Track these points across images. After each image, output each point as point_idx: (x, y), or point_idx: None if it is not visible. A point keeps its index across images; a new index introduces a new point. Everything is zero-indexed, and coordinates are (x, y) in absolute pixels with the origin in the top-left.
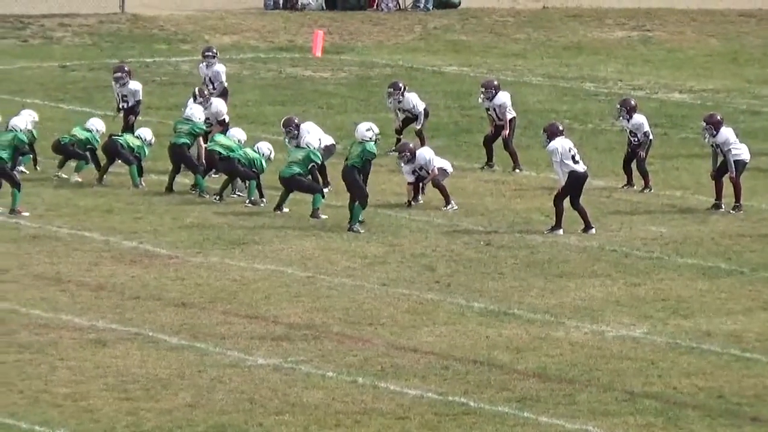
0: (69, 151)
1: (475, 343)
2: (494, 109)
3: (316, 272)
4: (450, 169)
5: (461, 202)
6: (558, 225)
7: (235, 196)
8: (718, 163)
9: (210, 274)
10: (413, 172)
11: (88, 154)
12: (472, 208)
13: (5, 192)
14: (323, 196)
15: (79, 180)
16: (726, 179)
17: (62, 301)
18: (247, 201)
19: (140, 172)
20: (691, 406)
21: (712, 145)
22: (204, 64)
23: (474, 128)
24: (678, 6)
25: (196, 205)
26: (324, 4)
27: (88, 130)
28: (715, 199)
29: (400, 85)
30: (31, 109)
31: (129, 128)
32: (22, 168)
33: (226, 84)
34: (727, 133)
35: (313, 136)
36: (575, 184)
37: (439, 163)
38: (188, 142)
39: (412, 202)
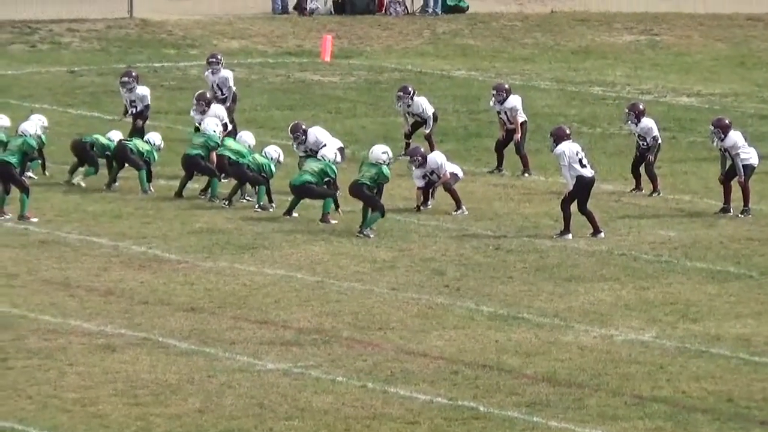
0: (86, 152)
1: (485, 347)
2: (505, 113)
3: (326, 277)
4: (461, 174)
5: (470, 207)
6: (567, 229)
7: (244, 201)
8: (727, 167)
9: (219, 279)
10: (423, 176)
11: (101, 163)
12: (481, 213)
13: (14, 197)
14: (335, 202)
15: (83, 185)
16: (734, 183)
17: (71, 307)
18: (257, 206)
19: (149, 177)
20: (700, 410)
21: (720, 149)
22: (210, 71)
23: (483, 132)
24: (685, 10)
25: (205, 210)
26: (333, 9)
27: (110, 139)
28: (724, 203)
29: (410, 89)
30: (40, 114)
31: (138, 132)
32: (30, 173)
33: (234, 89)
34: (735, 136)
35: (330, 149)
36: (583, 188)
37: (450, 167)
38: (202, 153)
39: (422, 207)
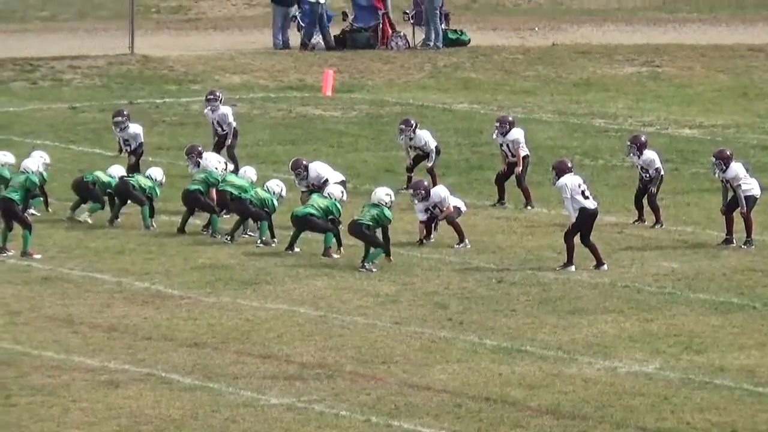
0: (89, 190)
1: (488, 380)
2: (507, 145)
3: (329, 311)
4: (463, 208)
5: (473, 240)
6: (570, 261)
7: (246, 236)
8: (729, 198)
9: (222, 314)
10: (426, 210)
11: (105, 198)
12: (484, 246)
13: (17, 234)
14: (337, 239)
15: (89, 221)
16: (737, 214)
17: (74, 343)
18: (259, 241)
19: (152, 213)
20: None
21: (722, 180)
22: (209, 108)
23: (485, 165)
24: (687, 41)
25: (207, 246)
26: (333, 43)
27: (110, 176)
28: (726, 234)
29: (412, 122)
30: (42, 150)
31: (132, 170)
32: (32, 210)
33: (234, 124)
34: (736, 168)
35: (336, 186)
36: (586, 220)
37: (452, 201)
38: (201, 189)
39: (424, 241)
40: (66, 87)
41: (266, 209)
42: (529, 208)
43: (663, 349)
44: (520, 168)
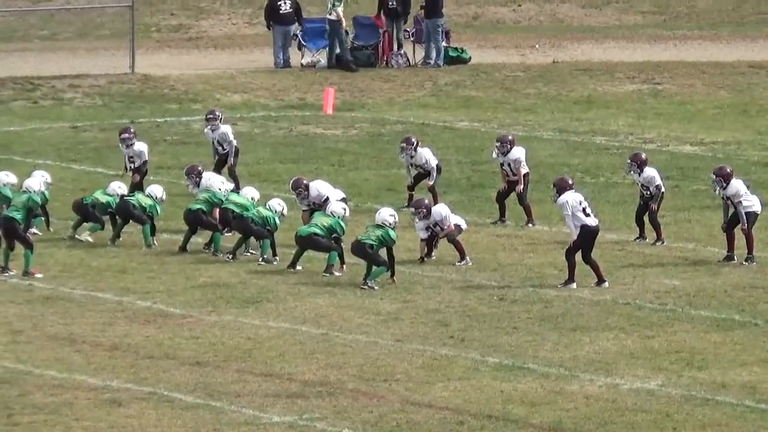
0: (88, 212)
1: (490, 397)
2: (509, 164)
3: (330, 329)
4: (464, 226)
5: (474, 257)
6: (571, 279)
7: (248, 254)
8: (730, 215)
9: (224, 333)
10: (427, 228)
11: (105, 218)
12: (485, 263)
13: (18, 254)
14: (340, 257)
15: (90, 240)
16: (738, 231)
17: (76, 362)
18: (260, 259)
19: (153, 232)
20: None
21: (722, 197)
22: (209, 128)
23: (486, 183)
24: (687, 59)
25: (209, 264)
26: (334, 61)
27: (109, 195)
28: (728, 251)
29: (413, 140)
30: (43, 170)
31: (135, 188)
32: (34, 229)
33: (235, 143)
34: (737, 185)
35: (338, 204)
36: (587, 237)
37: (453, 219)
38: (203, 208)
39: (425, 258)
40: (67, 106)
41: (268, 228)
42: (530, 225)
43: (665, 366)
44: (521, 186)
